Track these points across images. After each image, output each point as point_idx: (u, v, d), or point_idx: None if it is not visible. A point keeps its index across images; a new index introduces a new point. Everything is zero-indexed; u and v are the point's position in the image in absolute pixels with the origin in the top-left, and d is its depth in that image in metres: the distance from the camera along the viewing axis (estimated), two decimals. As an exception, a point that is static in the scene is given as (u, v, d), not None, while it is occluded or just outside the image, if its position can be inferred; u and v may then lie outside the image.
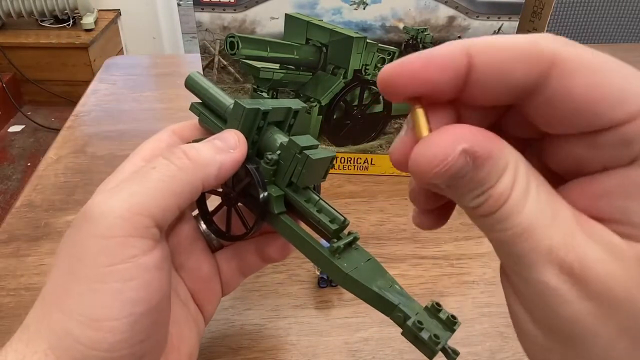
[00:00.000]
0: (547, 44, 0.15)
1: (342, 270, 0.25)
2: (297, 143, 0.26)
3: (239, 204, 0.29)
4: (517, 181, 0.15)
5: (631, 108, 0.14)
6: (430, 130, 0.16)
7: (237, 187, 0.28)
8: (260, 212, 0.27)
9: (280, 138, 0.28)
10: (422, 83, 0.16)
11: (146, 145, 0.29)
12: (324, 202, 0.27)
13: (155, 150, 0.28)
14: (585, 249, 0.15)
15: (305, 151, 0.26)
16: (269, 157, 0.27)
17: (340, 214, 0.27)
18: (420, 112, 0.16)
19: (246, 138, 0.27)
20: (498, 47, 0.15)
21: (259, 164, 0.27)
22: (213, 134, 0.27)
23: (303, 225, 0.28)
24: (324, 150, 0.27)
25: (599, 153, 0.15)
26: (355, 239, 0.27)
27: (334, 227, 0.26)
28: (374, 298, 0.26)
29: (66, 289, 0.23)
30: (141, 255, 0.23)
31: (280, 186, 0.27)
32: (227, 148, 0.26)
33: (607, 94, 0.14)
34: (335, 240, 0.26)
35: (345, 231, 0.27)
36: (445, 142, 0.15)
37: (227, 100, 0.30)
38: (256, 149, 0.29)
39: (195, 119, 0.31)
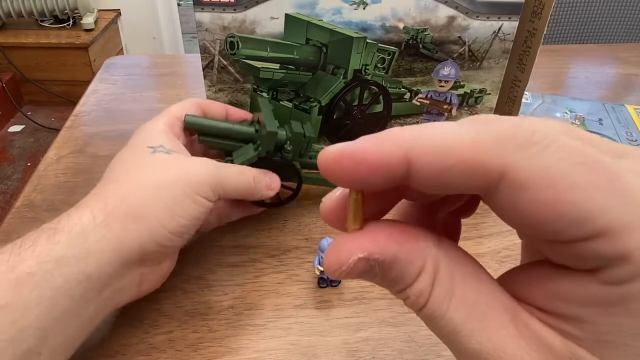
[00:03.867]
0: (497, 151, 0.13)
1: None
2: (301, 133, 0.43)
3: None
4: (437, 282, 0.15)
5: (589, 228, 0.13)
6: (361, 222, 0.16)
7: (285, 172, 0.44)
8: (299, 177, 0.45)
9: (282, 133, 0.42)
10: (356, 181, 0.15)
11: (173, 109, 0.42)
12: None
13: (179, 114, 0.42)
14: (517, 354, 0.14)
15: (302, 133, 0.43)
16: (288, 148, 0.43)
17: None
18: (355, 200, 0.16)
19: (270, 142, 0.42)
20: (439, 152, 0.14)
21: (283, 154, 0.43)
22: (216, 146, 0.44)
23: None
24: (307, 126, 0.45)
25: (558, 256, 0.14)
26: None
27: None
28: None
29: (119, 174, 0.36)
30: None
31: (295, 158, 0.45)
32: (269, 188, 0.42)
33: (563, 214, 0.13)
34: None
35: None
36: (345, 251, 0.15)
37: (228, 124, 0.43)
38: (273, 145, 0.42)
39: (218, 100, 0.45)
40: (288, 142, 0.43)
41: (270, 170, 0.43)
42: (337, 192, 0.17)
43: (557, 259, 0.15)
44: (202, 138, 0.42)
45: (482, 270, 0.16)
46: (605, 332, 0.14)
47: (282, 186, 0.44)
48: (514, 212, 0.14)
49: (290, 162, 0.44)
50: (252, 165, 0.42)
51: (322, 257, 0.39)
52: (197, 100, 0.43)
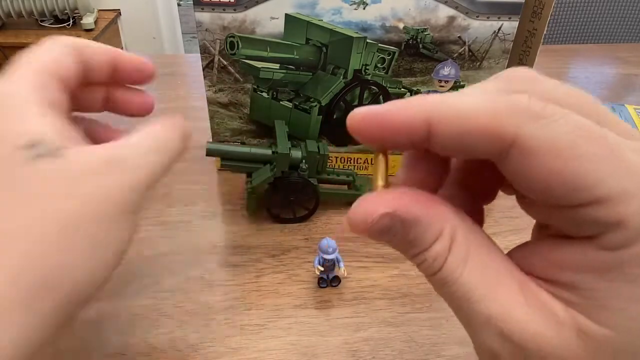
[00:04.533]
0: (510, 120, 0.14)
1: (359, 191, 0.48)
2: (316, 151, 0.45)
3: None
4: (454, 247, 0.16)
5: (589, 195, 0.14)
6: (386, 180, 0.17)
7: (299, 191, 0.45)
8: (316, 195, 0.46)
9: (296, 153, 0.45)
10: (381, 140, 0.17)
11: (38, 56, 0.24)
12: (334, 171, 0.49)
13: (51, 67, 0.24)
14: (525, 320, 0.15)
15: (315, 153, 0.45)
16: (304, 167, 0.44)
17: (346, 170, 0.50)
18: (380, 161, 0.17)
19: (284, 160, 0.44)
20: (458, 118, 0.15)
21: (299, 173, 0.45)
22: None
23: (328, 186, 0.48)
24: (321, 144, 0.46)
25: (561, 221, 0.16)
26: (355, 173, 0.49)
27: (349, 178, 0.49)
28: None
29: None
30: None
31: (312, 176, 0.46)
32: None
33: (565, 181, 0.14)
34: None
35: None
36: (371, 205, 0.16)
37: (246, 148, 0.45)
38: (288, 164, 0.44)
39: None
40: (304, 161, 0.44)
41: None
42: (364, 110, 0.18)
43: (560, 225, 0.16)
44: (224, 162, 0.44)
45: (494, 243, 0.17)
46: (602, 297, 0.15)
47: (300, 206, 0.46)
48: (523, 178, 0.15)
49: (307, 180, 0.45)
50: (270, 185, 0.44)
51: (322, 257, 0.39)
52: (68, 40, 0.26)
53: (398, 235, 0.17)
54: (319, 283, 0.41)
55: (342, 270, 0.40)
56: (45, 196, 0.19)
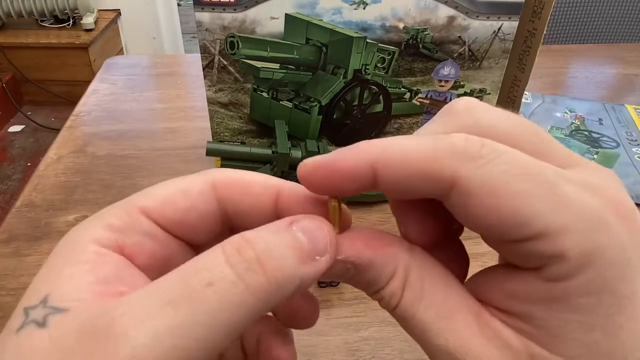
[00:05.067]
0: (448, 162, 0.15)
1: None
2: (316, 151, 0.45)
3: None
4: (408, 285, 0.17)
5: (527, 231, 0.14)
6: (339, 226, 0.18)
7: None
8: None
9: (296, 153, 0.44)
10: (330, 188, 0.17)
11: (148, 196, 0.19)
12: None
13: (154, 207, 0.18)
14: (481, 351, 0.16)
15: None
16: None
17: None
18: (334, 207, 0.18)
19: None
20: (400, 162, 0.16)
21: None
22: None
23: None
24: (321, 144, 0.46)
25: (508, 254, 0.16)
26: None
27: None
28: None
29: None
30: None
31: None
32: (315, 253, 0.17)
33: (503, 218, 0.15)
34: None
35: None
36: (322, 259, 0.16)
37: (246, 148, 0.44)
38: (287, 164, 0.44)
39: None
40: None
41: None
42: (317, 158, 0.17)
43: (508, 258, 0.16)
44: (224, 162, 0.45)
45: (450, 275, 0.18)
46: (554, 327, 0.15)
47: None
48: (465, 216, 0.15)
49: None
50: None
51: (322, 257, 0.39)
52: (210, 174, 0.19)
53: (355, 277, 0.17)
54: (319, 283, 0.41)
55: (342, 270, 0.40)
56: (220, 285, 0.15)
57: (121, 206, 0.18)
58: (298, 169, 0.17)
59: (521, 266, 0.16)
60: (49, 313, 0.15)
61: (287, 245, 0.16)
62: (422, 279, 0.17)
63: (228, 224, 0.19)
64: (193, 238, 0.19)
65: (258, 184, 0.19)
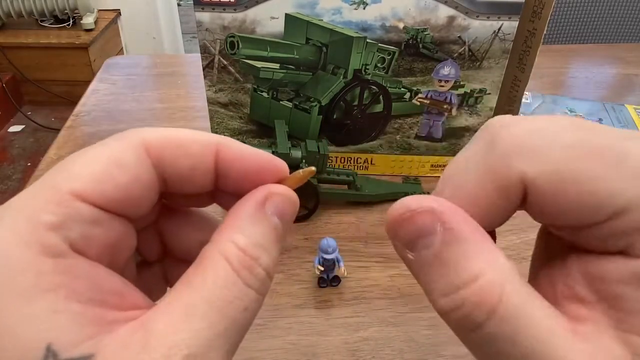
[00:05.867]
0: (515, 165, 0.14)
1: (359, 191, 0.48)
2: (316, 151, 0.45)
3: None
4: (505, 298, 0.14)
5: (608, 210, 0.14)
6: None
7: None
8: (316, 195, 0.46)
9: (296, 153, 0.45)
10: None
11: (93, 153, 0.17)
12: (334, 171, 0.48)
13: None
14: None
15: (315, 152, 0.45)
16: (304, 167, 0.42)
17: (346, 170, 0.49)
18: (298, 177, 0.19)
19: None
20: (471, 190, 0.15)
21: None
22: None
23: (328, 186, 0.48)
24: (321, 144, 0.46)
25: (590, 240, 0.15)
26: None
27: (349, 178, 0.48)
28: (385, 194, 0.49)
29: None
30: None
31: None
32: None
33: (582, 204, 0.14)
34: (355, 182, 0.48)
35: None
36: (417, 200, 0.15)
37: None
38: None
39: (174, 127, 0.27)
40: (304, 161, 0.45)
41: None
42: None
43: (591, 244, 0.15)
44: None
45: (535, 292, 0.15)
46: None
47: (300, 205, 0.46)
48: (540, 212, 0.15)
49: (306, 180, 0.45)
50: None
51: (322, 256, 0.39)
52: (137, 137, 0.17)
53: (433, 249, 0.14)
54: (319, 283, 0.41)
55: (342, 270, 0.40)
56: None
57: (46, 195, 0.15)
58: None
59: (606, 250, 0.14)
60: None
61: (272, 240, 0.17)
62: (521, 294, 0.14)
63: (162, 187, 0.18)
64: (135, 212, 0.17)
65: (195, 142, 0.17)
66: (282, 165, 0.18)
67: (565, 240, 0.16)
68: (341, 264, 0.39)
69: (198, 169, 0.17)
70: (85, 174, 0.16)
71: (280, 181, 0.18)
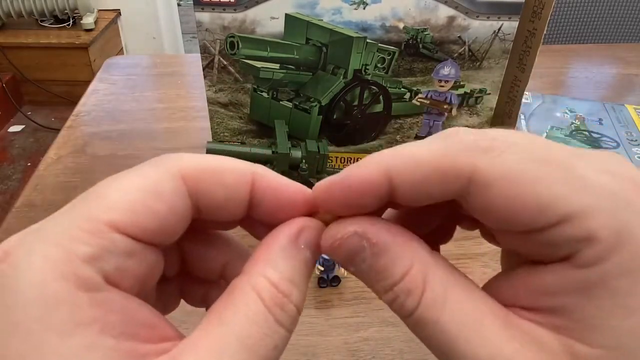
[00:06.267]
0: (465, 158, 0.15)
1: None
2: (316, 151, 0.45)
3: None
4: (428, 285, 0.15)
5: (552, 215, 0.14)
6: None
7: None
8: None
9: (296, 153, 0.44)
10: (347, 206, 0.17)
11: (106, 199, 0.16)
12: (334, 171, 0.43)
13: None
14: (515, 357, 0.15)
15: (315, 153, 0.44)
16: (304, 167, 0.44)
17: None
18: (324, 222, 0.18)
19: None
20: (415, 165, 0.15)
21: (299, 173, 0.44)
22: None
23: None
24: (321, 144, 0.46)
25: (533, 247, 0.15)
26: None
27: None
28: None
29: None
30: None
31: (312, 175, 0.45)
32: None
33: (526, 205, 0.14)
34: None
35: None
36: (342, 225, 0.17)
37: (247, 148, 0.44)
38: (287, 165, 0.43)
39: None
40: (304, 161, 0.45)
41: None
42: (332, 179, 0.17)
43: (533, 251, 0.15)
44: None
45: (470, 280, 0.16)
46: (591, 317, 0.14)
47: None
48: (486, 211, 0.15)
49: (307, 180, 0.45)
50: None
51: (322, 257, 0.39)
52: (174, 165, 0.17)
53: (367, 262, 0.16)
54: (319, 283, 0.41)
55: (342, 270, 0.40)
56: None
57: (80, 224, 0.15)
58: (313, 190, 0.17)
59: (548, 258, 0.15)
60: None
61: (303, 275, 0.18)
62: (443, 281, 0.16)
63: (194, 215, 0.17)
64: (168, 240, 0.17)
65: (232, 172, 0.17)
66: (313, 195, 0.18)
67: (512, 251, 0.17)
68: (341, 264, 0.39)
69: (233, 199, 0.18)
70: (121, 203, 0.15)
71: (311, 214, 0.19)
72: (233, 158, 0.18)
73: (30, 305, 0.13)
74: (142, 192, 0.16)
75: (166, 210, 0.16)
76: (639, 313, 0.14)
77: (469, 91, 0.48)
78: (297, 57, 0.47)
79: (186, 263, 0.21)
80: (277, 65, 0.47)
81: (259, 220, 0.19)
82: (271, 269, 0.16)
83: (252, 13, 0.44)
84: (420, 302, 0.15)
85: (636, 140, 0.59)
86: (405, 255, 0.16)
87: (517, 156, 0.15)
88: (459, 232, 0.49)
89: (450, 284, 0.16)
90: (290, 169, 0.45)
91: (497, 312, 0.15)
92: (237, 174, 0.18)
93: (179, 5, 2.83)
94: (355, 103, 0.49)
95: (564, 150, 0.15)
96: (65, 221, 0.16)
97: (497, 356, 0.15)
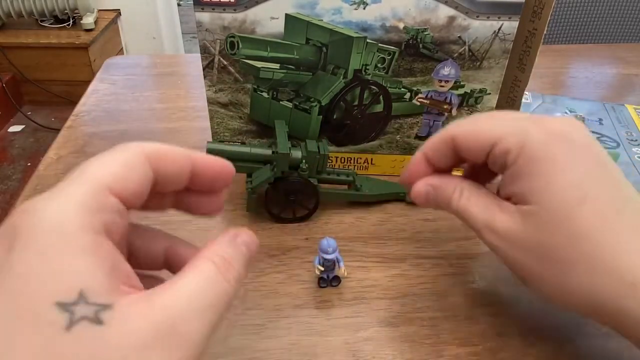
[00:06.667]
0: (450, 128, 0.33)
1: (359, 191, 0.48)
2: (316, 151, 0.45)
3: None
4: (463, 195, 0.33)
5: (492, 142, 0.30)
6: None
7: (300, 191, 0.46)
8: (316, 195, 0.46)
9: (296, 153, 0.44)
10: (436, 158, 0.34)
11: (94, 171, 0.21)
12: (334, 171, 0.48)
13: (108, 181, 0.21)
14: (500, 220, 0.30)
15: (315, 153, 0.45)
16: (304, 167, 0.44)
17: (346, 170, 0.50)
18: None
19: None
20: (466, 131, 0.32)
21: (299, 173, 0.44)
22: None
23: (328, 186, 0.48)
24: (321, 144, 0.46)
25: (495, 167, 0.31)
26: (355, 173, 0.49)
27: (349, 178, 0.48)
28: (386, 194, 0.50)
29: None
30: None
31: (312, 175, 0.46)
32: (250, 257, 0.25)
33: (483, 142, 0.31)
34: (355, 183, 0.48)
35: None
36: (417, 185, 0.35)
37: (246, 148, 0.44)
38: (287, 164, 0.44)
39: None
40: (304, 161, 0.44)
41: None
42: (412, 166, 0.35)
43: (495, 168, 0.31)
44: None
45: (485, 189, 0.33)
46: (524, 189, 0.29)
47: (300, 206, 0.47)
48: (468, 152, 0.32)
49: (307, 180, 0.45)
50: (270, 185, 0.44)
51: (322, 257, 0.39)
52: (140, 148, 0.23)
53: (434, 196, 0.34)
54: (319, 283, 0.41)
55: (342, 270, 0.40)
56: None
57: (85, 184, 0.20)
58: (424, 146, 0.35)
59: (500, 169, 0.31)
60: (98, 310, 0.18)
61: (242, 259, 0.24)
62: (470, 192, 0.32)
63: (152, 188, 0.23)
64: (138, 204, 0.22)
65: (181, 156, 0.24)
66: (231, 168, 0.26)
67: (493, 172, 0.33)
68: (341, 264, 0.39)
69: (180, 174, 0.24)
70: (110, 171, 0.21)
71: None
72: (179, 147, 0.24)
73: (48, 234, 0.18)
74: (122, 166, 0.21)
75: (140, 179, 0.22)
76: (543, 177, 0.28)
77: (469, 91, 0.48)
78: (297, 57, 0.47)
79: (133, 256, 0.25)
80: (277, 65, 0.47)
81: (197, 190, 0.26)
82: (220, 251, 0.23)
83: (252, 13, 0.44)
84: (459, 202, 0.32)
85: (636, 140, 0.59)
86: (449, 185, 0.33)
87: (476, 122, 0.32)
88: (459, 232, 0.49)
89: (474, 194, 0.32)
90: (291, 169, 0.45)
91: (496, 202, 0.31)
92: (182, 154, 0.24)
93: (179, 5, 2.82)
94: (356, 103, 0.49)
95: (527, 117, 0.31)
96: (71, 186, 0.20)
97: (493, 221, 0.30)
